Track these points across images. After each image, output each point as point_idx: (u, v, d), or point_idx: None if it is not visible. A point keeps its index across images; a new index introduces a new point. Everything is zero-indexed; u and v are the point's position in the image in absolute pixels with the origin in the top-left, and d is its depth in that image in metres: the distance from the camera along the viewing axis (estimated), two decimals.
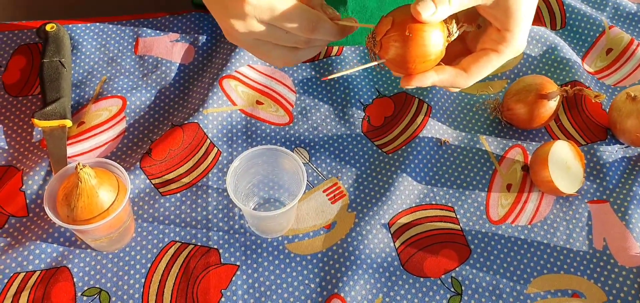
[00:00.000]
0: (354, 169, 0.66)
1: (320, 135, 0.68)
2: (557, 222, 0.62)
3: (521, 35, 0.49)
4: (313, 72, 0.73)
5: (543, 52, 0.76)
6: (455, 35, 0.48)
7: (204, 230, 0.60)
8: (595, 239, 0.61)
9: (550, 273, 0.59)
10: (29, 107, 0.69)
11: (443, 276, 0.59)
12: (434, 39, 0.46)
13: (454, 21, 0.48)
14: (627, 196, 0.64)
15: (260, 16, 0.47)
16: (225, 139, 0.67)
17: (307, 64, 0.74)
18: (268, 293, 0.57)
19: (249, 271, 0.58)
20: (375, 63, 0.49)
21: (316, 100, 0.71)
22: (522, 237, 0.61)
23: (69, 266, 0.57)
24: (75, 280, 0.57)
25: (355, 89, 0.71)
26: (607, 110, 0.71)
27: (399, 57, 0.47)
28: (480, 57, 0.50)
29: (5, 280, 0.56)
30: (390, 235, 0.61)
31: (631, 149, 0.68)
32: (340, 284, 0.57)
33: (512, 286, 0.58)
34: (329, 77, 0.70)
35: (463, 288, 0.58)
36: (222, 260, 0.59)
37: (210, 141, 0.66)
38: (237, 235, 0.60)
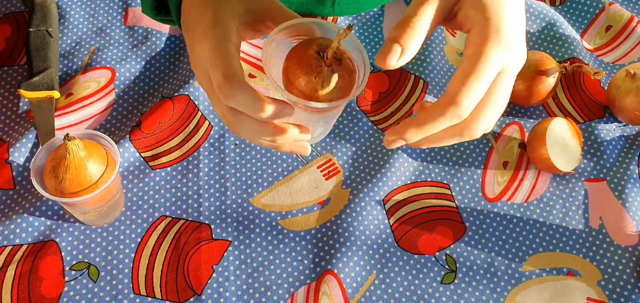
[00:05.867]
0: (348, 145, 0.65)
1: None
2: (553, 200, 0.62)
3: (504, 24, 0.38)
4: None
5: (542, 28, 0.74)
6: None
7: (195, 205, 0.59)
8: (591, 218, 0.61)
9: (546, 251, 0.59)
10: (15, 77, 0.67)
11: (437, 253, 0.58)
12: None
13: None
14: (624, 175, 0.63)
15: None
16: None
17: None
18: (260, 269, 0.56)
19: (241, 247, 0.57)
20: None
21: None
22: (518, 215, 0.61)
23: (57, 240, 0.56)
24: (63, 254, 0.56)
25: None
26: (606, 88, 0.70)
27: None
28: (459, 73, 0.39)
29: None
30: (384, 212, 0.60)
31: (629, 127, 0.68)
32: (334, 261, 0.56)
33: (507, 264, 0.58)
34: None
35: (457, 265, 0.57)
36: (213, 235, 0.58)
37: (202, 114, 0.65)
38: (229, 211, 0.59)
